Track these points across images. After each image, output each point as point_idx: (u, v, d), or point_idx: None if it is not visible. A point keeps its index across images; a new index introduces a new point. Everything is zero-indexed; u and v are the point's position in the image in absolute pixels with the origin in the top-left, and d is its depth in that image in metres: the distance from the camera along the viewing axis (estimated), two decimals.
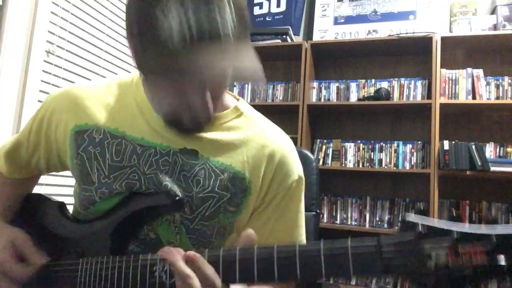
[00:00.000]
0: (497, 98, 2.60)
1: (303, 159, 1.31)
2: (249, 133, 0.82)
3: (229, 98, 0.86)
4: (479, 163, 2.39)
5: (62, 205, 0.88)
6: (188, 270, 0.59)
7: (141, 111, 0.80)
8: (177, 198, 0.75)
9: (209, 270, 0.59)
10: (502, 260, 0.45)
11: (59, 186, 1.86)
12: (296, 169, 0.84)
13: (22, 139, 0.90)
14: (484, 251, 0.46)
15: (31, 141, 0.88)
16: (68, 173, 0.90)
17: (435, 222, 0.50)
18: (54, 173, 0.98)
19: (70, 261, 0.78)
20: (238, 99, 0.87)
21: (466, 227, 0.48)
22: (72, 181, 0.90)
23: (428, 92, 2.71)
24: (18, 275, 0.77)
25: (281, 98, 3.04)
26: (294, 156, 0.85)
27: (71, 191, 0.96)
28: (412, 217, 0.52)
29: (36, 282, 0.79)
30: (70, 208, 0.91)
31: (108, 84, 0.85)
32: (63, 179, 1.85)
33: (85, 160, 0.79)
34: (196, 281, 0.59)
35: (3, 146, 0.93)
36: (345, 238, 0.55)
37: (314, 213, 1.33)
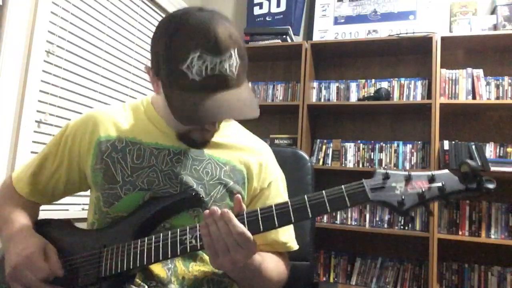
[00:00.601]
0: (497, 98, 2.60)
1: (299, 160, 1.33)
2: (238, 139, 1.02)
3: None
4: (479, 163, 2.39)
5: (69, 221, 0.99)
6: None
7: (152, 122, 0.97)
8: (194, 193, 0.90)
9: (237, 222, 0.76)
10: (437, 184, 0.74)
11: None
12: (277, 166, 1.07)
13: (47, 158, 1.01)
14: (427, 181, 0.74)
15: (57, 158, 1.00)
16: None
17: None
18: None
19: (93, 252, 0.87)
20: None
21: (414, 172, 0.76)
22: (73, 199, 0.92)
23: (428, 92, 2.71)
24: (41, 272, 0.85)
25: (281, 98, 3.04)
26: (273, 157, 1.07)
27: (76, 200, 0.98)
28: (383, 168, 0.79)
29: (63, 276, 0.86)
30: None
31: (122, 106, 1.03)
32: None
33: (109, 164, 0.93)
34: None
35: (25, 169, 1.03)
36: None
37: None
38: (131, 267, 0.81)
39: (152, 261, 0.81)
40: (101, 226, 0.93)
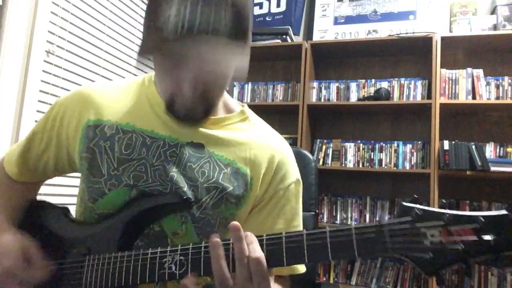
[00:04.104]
0: (497, 98, 2.60)
1: (302, 159, 1.32)
2: (252, 136, 0.87)
3: (235, 104, 0.93)
4: (479, 163, 2.39)
5: (66, 210, 0.91)
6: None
7: (152, 106, 0.85)
8: (185, 197, 0.78)
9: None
10: (488, 236, 0.52)
11: (61, 186, 1.86)
12: (294, 172, 0.89)
13: (34, 138, 0.92)
14: (472, 230, 0.53)
15: (44, 139, 0.91)
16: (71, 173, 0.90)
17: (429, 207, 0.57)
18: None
19: (75, 259, 0.80)
20: (243, 105, 0.93)
21: (456, 211, 0.55)
22: (74, 181, 0.90)
23: (428, 92, 2.71)
24: (28, 278, 0.80)
25: (281, 98, 3.04)
26: (292, 160, 0.91)
27: (72, 191, 0.96)
28: (408, 202, 0.58)
29: (43, 283, 0.81)
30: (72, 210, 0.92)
31: (119, 83, 0.91)
32: (65, 178, 1.85)
33: (96, 153, 0.83)
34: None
35: (14, 150, 0.95)
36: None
37: (313, 213, 1.33)
38: (110, 286, 0.74)
39: (130, 283, 0.72)
40: (88, 221, 0.86)
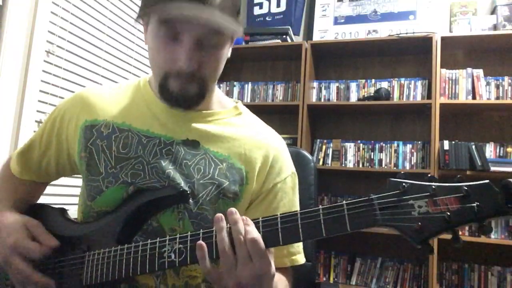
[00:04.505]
0: (497, 98, 2.60)
1: (301, 159, 1.32)
2: (246, 131, 0.89)
3: (228, 100, 0.95)
4: (479, 163, 2.39)
5: (63, 210, 0.93)
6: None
7: (148, 106, 0.88)
8: (181, 189, 0.80)
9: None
10: (472, 204, 0.55)
11: (61, 186, 1.86)
12: (289, 166, 0.92)
13: (35, 139, 0.96)
14: (457, 198, 0.56)
15: (43, 141, 0.94)
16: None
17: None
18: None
19: (75, 256, 0.81)
20: (237, 102, 0.95)
21: (441, 183, 0.58)
22: (76, 181, 0.91)
23: (428, 92, 2.71)
24: (33, 252, 0.80)
25: (281, 98, 3.04)
26: (286, 154, 0.93)
27: (72, 190, 0.97)
28: (396, 178, 0.61)
29: (46, 265, 0.82)
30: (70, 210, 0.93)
31: (116, 86, 0.95)
32: (65, 178, 1.85)
33: (94, 152, 0.85)
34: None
35: (18, 149, 0.99)
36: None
37: None
38: (110, 278, 0.75)
39: (130, 275, 0.74)
40: (87, 220, 0.88)
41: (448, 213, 0.55)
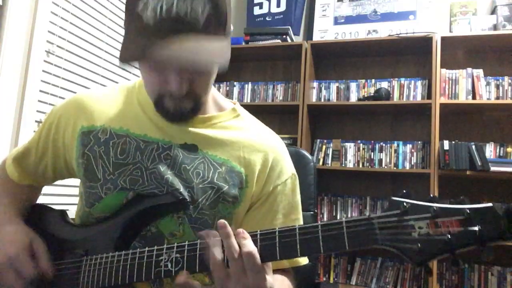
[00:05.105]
0: (497, 98, 2.60)
1: (301, 159, 1.32)
2: (244, 134, 0.87)
3: (226, 102, 0.93)
4: (479, 163, 2.39)
5: (63, 213, 0.92)
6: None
7: (144, 110, 0.86)
8: (180, 197, 0.79)
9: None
10: (473, 227, 0.54)
11: (61, 186, 1.86)
12: (289, 167, 0.90)
13: (31, 146, 0.94)
14: (459, 221, 0.55)
15: (39, 147, 0.93)
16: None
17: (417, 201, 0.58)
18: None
19: (72, 261, 0.81)
20: (234, 103, 0.93)
21: (443, 205, 0.57)
22: (76, 181, 0.91)
23: (428, 92, 2.71)
24: (26, 272, 0.79)
25: (281, 98, 3.04)
26: (286, 156, 0.91)
27: (72, 191, 0.97)
28: (398, 197, 0.60)
29: (40, 282, 0.81)
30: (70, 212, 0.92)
31: (111, 89, 0.92)
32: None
33: (91, 159, 0.84)
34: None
35: (12, 153, 0.97)
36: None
37: (312, 213, 1.34)
38: (107, 285, 0.75)
39: (127, 282, 0.73)
40: (86, 223, 0.88)
41: (449, 236, 0.54)
